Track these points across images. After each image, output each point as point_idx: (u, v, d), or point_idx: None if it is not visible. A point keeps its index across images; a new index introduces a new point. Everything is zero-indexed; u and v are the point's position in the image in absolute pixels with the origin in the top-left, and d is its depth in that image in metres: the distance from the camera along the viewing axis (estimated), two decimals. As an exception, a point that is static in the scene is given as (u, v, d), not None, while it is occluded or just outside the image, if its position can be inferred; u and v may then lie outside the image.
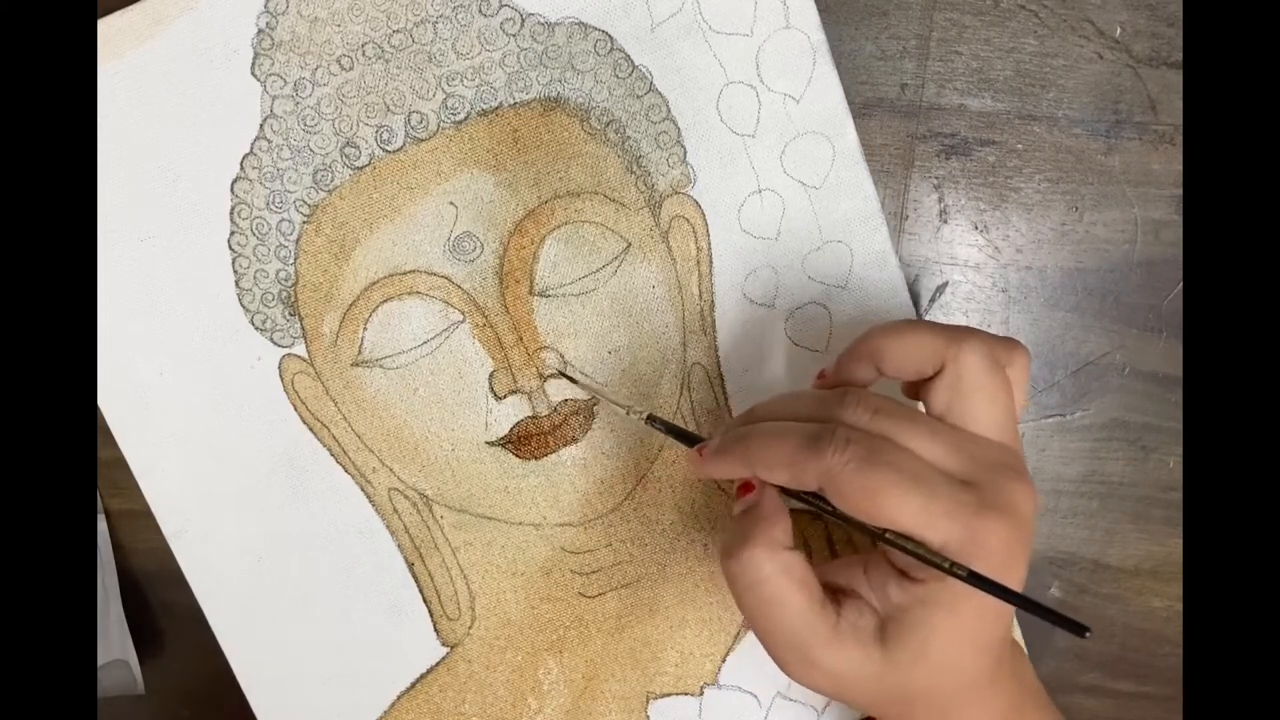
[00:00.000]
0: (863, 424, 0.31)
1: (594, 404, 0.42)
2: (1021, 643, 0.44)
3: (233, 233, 0.40)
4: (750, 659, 0.43)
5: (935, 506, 0.29)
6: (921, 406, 0.34)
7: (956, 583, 0.29)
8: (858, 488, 0.29)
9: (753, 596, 0.32)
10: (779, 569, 0.31)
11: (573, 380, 0.41)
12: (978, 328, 0.34)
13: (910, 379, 0.34)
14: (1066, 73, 0.41)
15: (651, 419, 0.39)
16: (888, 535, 0.30)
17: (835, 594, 0.32)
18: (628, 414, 0.40)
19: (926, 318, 0.43)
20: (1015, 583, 0.30)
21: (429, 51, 0.39)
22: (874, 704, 0.33)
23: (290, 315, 0.41)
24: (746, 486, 0.34)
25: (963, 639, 0.31)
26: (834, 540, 0.43)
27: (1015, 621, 0.44)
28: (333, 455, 0.41)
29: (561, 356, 0.41)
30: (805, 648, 0.31)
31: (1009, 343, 0.34)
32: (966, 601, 0.30)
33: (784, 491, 0.33)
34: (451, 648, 0.43)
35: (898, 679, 0.31)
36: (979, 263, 0.43)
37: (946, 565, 0.29)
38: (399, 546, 0.42)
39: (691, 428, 0.42)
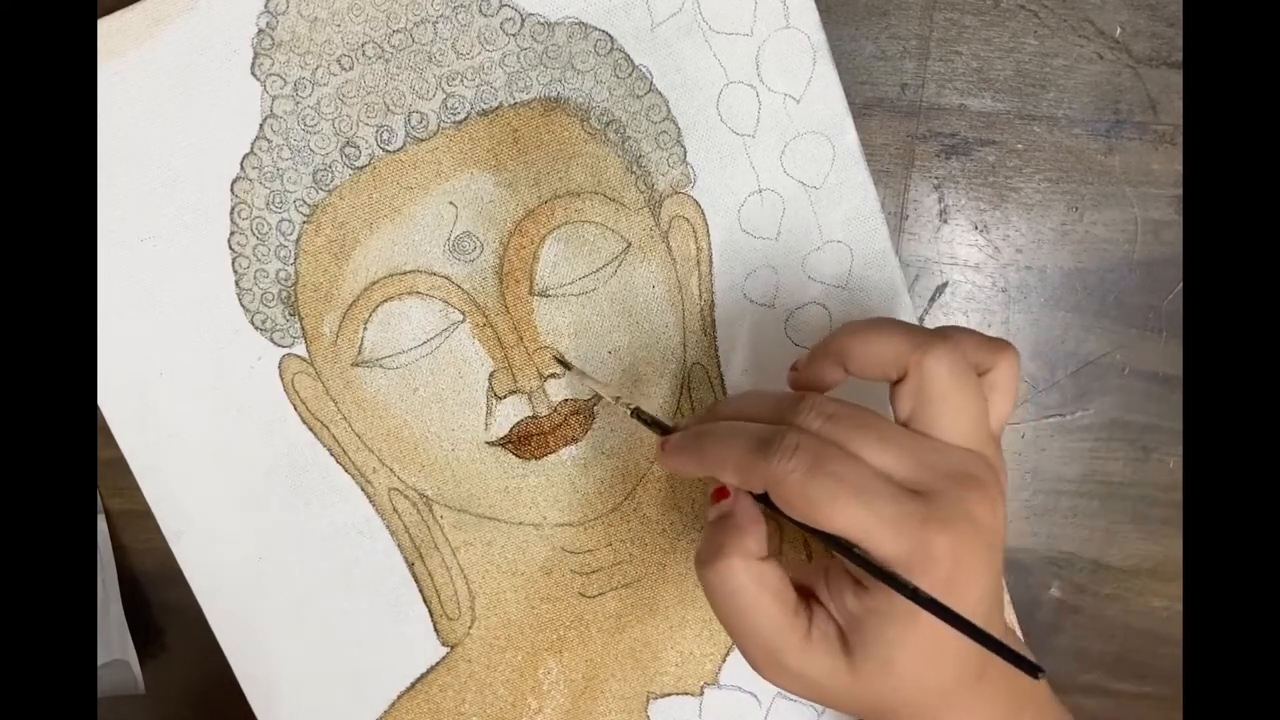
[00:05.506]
0: (814, 429, 0.30)
1: (594, 404, 0.41)
2: (1020, 638, 0.44)
3: (233, 233, 0.40)
4: (750, 659, 0.43)
5: (876, 518, 0.28)
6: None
7: None
8: (799, 495, 0.29)
9: (727, 606, 0.32)
10: (753, 579, 0.31)
11: (566, 365, 0.41)
12: (961, 327, 0.32)
13: (875, 380, 0.33)
14: (1066, 73, 0.41)
15: (638, 413, 0.38)
16: (839, 542, 0.29)
17: (809, 599, 0.32)
18: (615, 403, 0.39)
19: (926, 318, 0.43)
20: (973, 594, 0.30)
21: (429, 51, 0.39)
22: (853, 711, 0.32)
23: (290, 315, 0.41)
24: (721, 492, 0.34)
25: (925, 651, 0.30)
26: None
27: (1015, 621, 0.44)
28: (333, 455, 0.41)
29: (562, 357, 0.41)
30: (778, 654, 0.31)
31: (994, 345, 0.33)
32: (923, 612, 0.29)
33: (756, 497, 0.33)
34: (451, 648, 0.43)
35: (867, 689, 0.31)
36: (979, 263, 0.43)
37: (890, 578, 0.28)
38: (399, 546, 0.42)
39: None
